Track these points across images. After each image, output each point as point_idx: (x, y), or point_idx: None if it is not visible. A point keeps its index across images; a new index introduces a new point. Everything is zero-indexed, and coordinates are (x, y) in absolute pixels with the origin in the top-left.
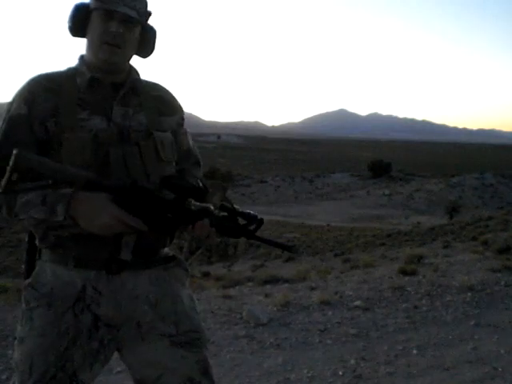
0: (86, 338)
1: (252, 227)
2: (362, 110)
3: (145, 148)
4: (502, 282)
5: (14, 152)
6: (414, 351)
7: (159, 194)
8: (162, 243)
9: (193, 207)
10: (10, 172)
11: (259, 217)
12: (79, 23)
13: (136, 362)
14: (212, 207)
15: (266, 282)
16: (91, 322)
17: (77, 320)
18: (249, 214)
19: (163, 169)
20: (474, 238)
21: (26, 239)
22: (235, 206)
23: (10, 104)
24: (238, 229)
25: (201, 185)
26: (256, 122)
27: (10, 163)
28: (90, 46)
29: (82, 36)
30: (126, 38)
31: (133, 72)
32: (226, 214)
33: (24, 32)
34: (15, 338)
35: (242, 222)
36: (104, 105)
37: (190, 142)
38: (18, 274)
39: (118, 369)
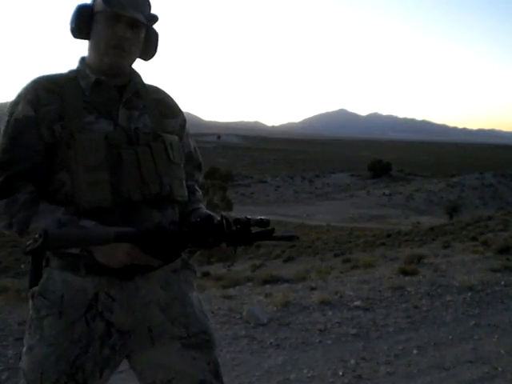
0: (98, 345)
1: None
2: (362, 109)
3: (156, 149)
4: (502, 282)
5: (42, 233)
6: (414, 351)
7: (180, 229)
8: None
9: (210, 240)
10: (37, 248)
11: (270, 226)
12: (83, 25)
13: (147, 367)
14: (230, 228)
15: (265, 282)
16: (104, 329)
17: (89, 328)
18: (261, 220)
19: (173, 170)
20: (474, 238)
21: None
22: (248, 217)
23: (13, 106)
24: (252, 238)
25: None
26: (256, 122)
27: (39, 242)
28: (94, 49)
29: (85, 38)
30: (132, 42)
31: (135, 75)
32: (239, 226)
33: (24, 32)
34: (16, 339)
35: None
36: (110, 108)
37: (192, 145)
38: (17, 274)
39: (120, 368)
